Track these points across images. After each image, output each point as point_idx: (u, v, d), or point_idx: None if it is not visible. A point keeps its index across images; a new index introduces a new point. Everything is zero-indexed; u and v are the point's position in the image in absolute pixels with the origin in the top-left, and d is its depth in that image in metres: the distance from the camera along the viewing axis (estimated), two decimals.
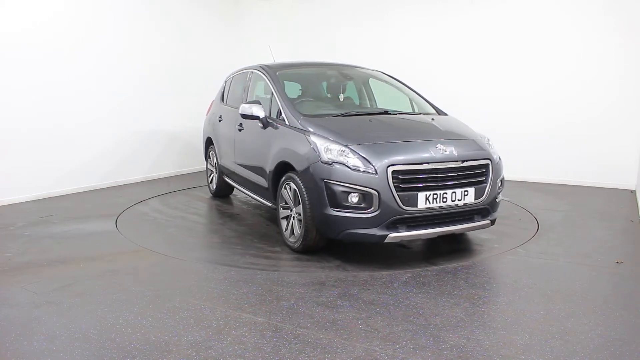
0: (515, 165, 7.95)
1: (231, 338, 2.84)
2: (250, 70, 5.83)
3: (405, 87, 5.58)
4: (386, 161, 3.90)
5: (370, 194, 3.85)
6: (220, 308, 3.25)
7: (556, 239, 4.86)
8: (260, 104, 5.00)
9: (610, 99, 7.23)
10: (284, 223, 4.56)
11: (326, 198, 3.99)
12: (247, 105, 4.98)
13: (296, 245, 4.36)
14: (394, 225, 3.93)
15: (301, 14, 9.46)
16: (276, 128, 4.74)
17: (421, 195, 3.91)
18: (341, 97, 5.65)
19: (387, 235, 3.91)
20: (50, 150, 6.58)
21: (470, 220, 4.24)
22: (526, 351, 2.71)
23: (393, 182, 3.86)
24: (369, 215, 3.88)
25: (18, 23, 6.14)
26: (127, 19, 7.57)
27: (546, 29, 7.58)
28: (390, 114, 4.94)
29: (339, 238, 4.08)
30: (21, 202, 6.23)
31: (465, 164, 4.11)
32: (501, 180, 4.48)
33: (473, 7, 8.06)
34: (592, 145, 7.39)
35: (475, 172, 4.18)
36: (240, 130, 5.56)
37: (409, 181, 3.92)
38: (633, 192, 6.99)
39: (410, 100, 5.43)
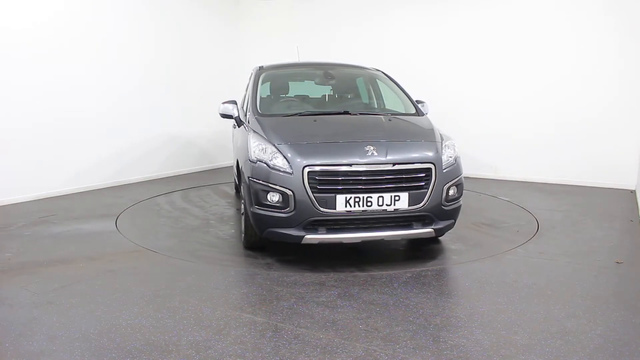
0: (516, 165, 7.98)
1: (231, 338, 2.84)
2: (252, 71, 5.89)
3: (395, 86, 5.46)
4: (303, 161, 3.82)
5: (286, 193, 3.81)
6: (220, 308, 3.25)
7: (556, 239, 4.86)
8: (236, 103, 5.07)
9: (610, 99, 7.24)
10: (242, 219, 4.64)
11: (251, 196, 4.03)
12: (224, 105, 5.06)
13: (243, 241, 4.49)
14: (313, 227, 3.86)
15: (301, 14, 9.47)
16: (246, 127, 4.81)
17: (340, 198, 3.77)
18: (326, 96, 5.64)
19: (304, 236, 3.84)
20: (50, 151, 6.58)
21: (408, 227, 3.99)
22: (526, 351, 2.71)
23: (309, 183, 3.78)
24: (286, 215, 3.84)
25: (18, 23, 6.14)
26: (126, 19, 7.57)
27: (546, 29, 7.58)
28: (350, 113, 4.75)
29: (264, 236, 4.09)
30: (21, 202, 6.23)
31: (397, 167, 3.88)
32: (457, 187, 4.17)
33: (473, 8, 8.06)
34: (592, 146, 7.39)
35: (410, 176, 3.92)
36: (234, 128, 5.75)
37: (327, 182, 3.80)
38: (633, 192, 6.99)
39: (399, 99, 5.34)
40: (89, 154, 7.11)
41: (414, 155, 4.02)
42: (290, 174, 3.82)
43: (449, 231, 4.27)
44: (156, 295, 3.45)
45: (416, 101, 5.22)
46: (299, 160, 3.84)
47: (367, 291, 3.54)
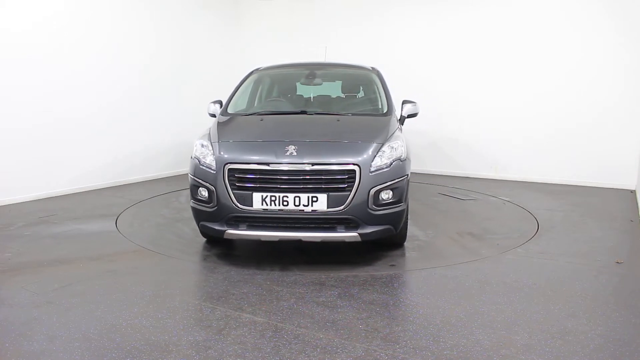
0: (516, 165, 7.98)
1: (231, 338, 2.84)
2: None
3: (380, 85, 5.29)
4: (224, 159, 3.98)
5: (211, 189, 3.98)
6: (220, 308, 3.25)
7: (556, 239, 4.86)
8: (221, 103, 5.14)
9: (611, 99, 7.24)
10: None
11: (190, 190, 4.28)
12: (213, 106, 5.12)
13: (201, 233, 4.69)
14: (234, 222, 3.97)
15: (300, 14, 9.47)
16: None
17: (256, 196, 3.85)
18: (311, 96, 5.60)
19: (225, 231, 3.97)
20: (50, 151, 6.58)
21: (330, 230, 3.88)
22: (526, 351, 2.71)
23: (228, 180, 3.92)
24: (211, 209, 4.02)
25: (18, 23, 6.13)
26: (126, 20, 7.56)
27: (546, 30, 7.58)
28: (308, 113, 4.72)
29: (200, 229, 4.32)
30: (21, 202, 6.23)
31: (316, 167, 3.81)
32: (392, 191, 3.93)
33: (473, 8, 8.06)
34: (592, 146, 7.40)
35: (330, 177, 3.83)
36: None
37: (244, 180, 3.91)
38: (633, 192, 6.99)
39: (378, 98, 5.23)
40: (89, 153, 7.10)
41: (336, 156, 3.90)
42: (214, 170, 3.98)
43: (408, 238, 4.31)
44: (156, 295, 3.45)
45: (406, 101, 5.08)
46: (221, 157, 4.00)
47: (367, 291, 3.54)
